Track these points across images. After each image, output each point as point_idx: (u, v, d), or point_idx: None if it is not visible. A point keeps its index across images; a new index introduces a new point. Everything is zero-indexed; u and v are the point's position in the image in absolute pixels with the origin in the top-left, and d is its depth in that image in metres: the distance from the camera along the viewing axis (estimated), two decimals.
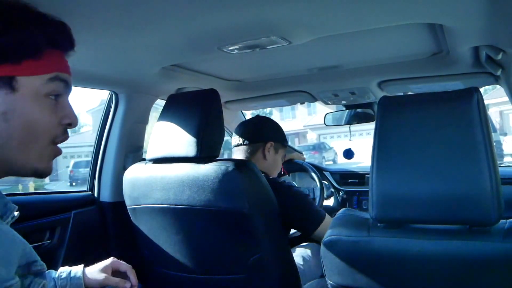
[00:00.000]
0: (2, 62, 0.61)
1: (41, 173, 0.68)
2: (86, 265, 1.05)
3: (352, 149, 2.31)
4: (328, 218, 1.43)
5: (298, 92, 1.98)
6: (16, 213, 0.66)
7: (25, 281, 0.59)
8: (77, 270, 1.03)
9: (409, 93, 1.84)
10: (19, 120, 0.62)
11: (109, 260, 1.04)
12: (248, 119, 1.71)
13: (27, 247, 0.61)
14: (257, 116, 1.75)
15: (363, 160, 2.48)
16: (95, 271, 1.04)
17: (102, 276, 1.03)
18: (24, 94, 0.63)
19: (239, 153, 1.59)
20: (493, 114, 17.87)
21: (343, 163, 14.36)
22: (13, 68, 0.62)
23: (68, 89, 0.69)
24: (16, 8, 0.65)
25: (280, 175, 2.37)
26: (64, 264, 1.07)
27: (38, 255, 0.64)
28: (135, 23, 0.99)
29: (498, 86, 1.69)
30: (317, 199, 2.14)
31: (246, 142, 1.58)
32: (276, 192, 1.31)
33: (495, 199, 0.77)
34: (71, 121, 0.68)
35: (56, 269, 1.04)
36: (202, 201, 1.21)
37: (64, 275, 1.00)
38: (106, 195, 1.69)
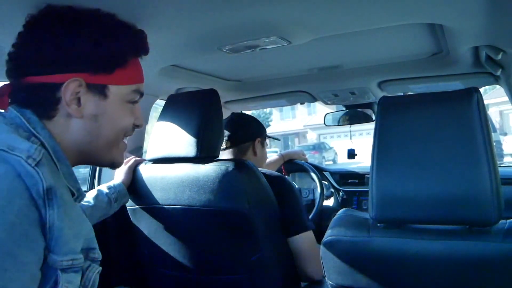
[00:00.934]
0: (98, 72, 0.72)
1: (118, 165, 0.82)
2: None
3: (353, 149, 2.32)
4: (312, 235, 1.35)
5: (298, 92, 1.98)
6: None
7: (84, 263, 0.67)
8: (114, 181, 1.34)
9: (409, 93, 1.84)
10: (107, 122, 0.75)
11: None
12: (228, 120, 1.65)
13: (91, 233, 0.71)
14: (236, 115, 1.74)
15: (363, 160, 2.48)
16: (119, 173, 1.37)
17: (125, 170, 1.36)
18: (113, 101, 0.75)
19: (227, 156, 1.57)
20: (493, 114, 17.89)
21: (343, 163, 14.37)
22: (106, 77, 0.73)
23: (141, 97, 0.81)
24: (107, 18, 0.76)
25: (297, 170, 2.39)
26: None
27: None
28: (134, 23, 0.98)
29: (498, 86, 1.69)
30: (317, 199, 2.14)
31: (235, 144, 1.57)
32: (275, 186, 1.31)
33: (495, 199, 0.77)
34: (140, 123, 0.82)
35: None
36: (202, 201, 1.21)
37: (112, 190, 1.30)
38: None
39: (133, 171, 1.39)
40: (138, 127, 0.82)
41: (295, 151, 2.45)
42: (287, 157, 2.29)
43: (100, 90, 0.73)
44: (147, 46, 0.81)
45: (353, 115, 2.20)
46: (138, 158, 1.44)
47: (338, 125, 2.29)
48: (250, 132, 1.61)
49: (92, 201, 1.26)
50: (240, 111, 2.41)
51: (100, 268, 0.71)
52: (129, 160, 1.42)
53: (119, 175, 1.38)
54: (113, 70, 0.74)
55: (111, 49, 0.73)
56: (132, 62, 0.78)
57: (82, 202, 1.24)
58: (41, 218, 0.59)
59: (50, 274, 0.61)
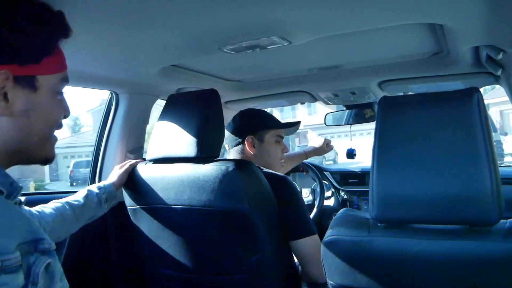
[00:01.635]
0: (25, 63, 0.65)
1: (50, 160, 0.75)
2: (86, 265, 1.10)
3: (353, 149, 2.31)
4: (317, 238, 1.33)
5: (298, 92, 1.98)
6: (22, 198, 0.71)
7: (30, 258, 0.60)
8: (105, 182, 1.35)
9: (409, 93, 1.85)
10: (39, 116, 0.68)
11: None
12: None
13: (34, 225, 0.63)
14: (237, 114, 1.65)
15: (363, 160, 2.48)
16: (112, 175, 1.37)
17: (119, 172, 1.37)
18: (43, 93, 0.68)
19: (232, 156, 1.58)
20: (493, 113, 17.87)
21: (343, 163, 14.36)
22: (34, 67, 0.66)
23: (66, 83, 0.75)
24: (32, 4, 0.67)
25: (297, 170, 2.33)
26: (64, 264, 1.08)
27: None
28: (135, 23, 0.99)
29: (498, 86, 1.69)
30: (318, 199, 2.14)
31: (229, 147, 1.57)
32: (277, 187, 1.30)
33: (495, 199, 0.77)
34: (69, 114, 0.76)
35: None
36: (202, 201, 1.21)
37: (102, 190, 1.30)
38: None
39: (133, 171, 1.39)
40: (65, 118, 0.75)
41: (319, 144, 2.19)
42: (311, 154, 2.17)
43: (29, 82, 0.65)
44: (68, 28, 0.72)
45: (354, 115, 2.19)
46: (133, 161, 1.43)
47: (338, 125, 2.29)
48: (237, 132, 1.54)
49: (82, 201, 1.26)
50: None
51: (51, 259, 0.63)
52: (125, 164, 1.42)
53: (111, 177, 1.39)
54: (40, 59, 0.67)
55: (39, 36, 0.66)
56: (57, 48, 0.71)
57: (72, 201, 1.25)
58: None
59: None
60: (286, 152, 1.60)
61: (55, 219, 1.16)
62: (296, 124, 1.64)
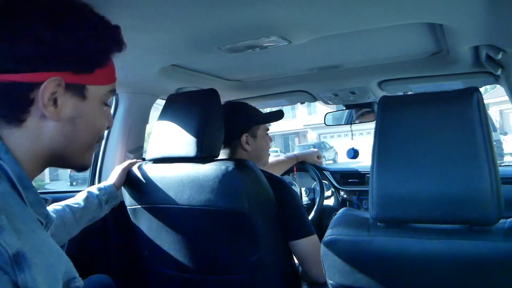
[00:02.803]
0: (79, 72, 0.66)
1: (87, 168, 0.76)
2: (86, 264, 1.09)
3: (355, 148, 2.30)
4: (316, 238, 1.34)
5: (298, 92, 1.98)
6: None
7: None
8: (105, 183, 1.35)
9: (409, 92, 1.85)
10: (85, 124, 0.70)
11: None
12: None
13: (69, 263, 0.63)
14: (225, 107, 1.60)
15: (363, 159, 2.48)
16: (112, 175, 1.38)
17: (120, 172, 1.37)
18: (91, 102, 0.70)
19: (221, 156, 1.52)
20: (493, 113, 17.88)
21: (343, 162, 14.36)
22: (86, 77, 0.68)
23: (113, 95, 0.79)
24: (88, 13, 0.69)
25: (288, 173, 2.33)
26: None
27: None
28: (135, 23, 0.99)
29: (498, 86, 1.69)
30: (318, 199, 2.14)
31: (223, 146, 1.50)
32: (275, 189, 1.31)
33: (495, 198, 0.77)
34: (111, 125, 0.79)
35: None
36: (202, 201, 1.21)
37: (103, 191, 1.31)
38: None
39: (133, 171, 1.39)
40: (107, 129, 0.78)
41: (310, 153, 2.30)
42: (301, 158, 2.23)
43: (79, 91, 0.67)
44: (124, 41, 0.74)
45: (353, 114, 2.20)
46: (132, 161, 1.43)
47: (338, 124, 2.29)
48: (232, 130, 1.48)
49: (82, 203, 1.24)
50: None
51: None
52: (125, 163, 1.42)
53: (112, 177, 1.38)
54: (93, 69, 0.69)
55: (95, 48, 0.68)
56: (110, 61, 0.74)
57: (72, 204, 1.23)
58: (13, 281, 0.53)
59: None
60: (271, 141, 1.61)
61: (56, 223, 1.14)
62: (280, 114, 1.58)
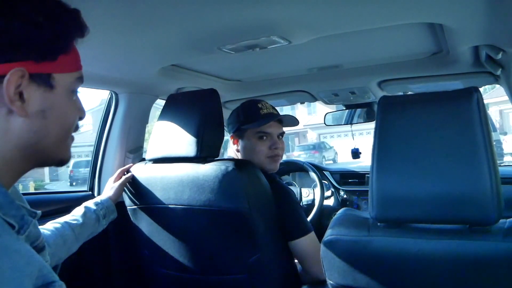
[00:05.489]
0: (42, 60, 0.61)
1: (66, 161, 0.71)
2: (86, 265, 1.08)
3: (357, 148, 2.30)
4: (314, 235, 1.35)
5: (298, 92, 1.98)
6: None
7: None
8: (101, 197, 1.34)
9: (409, 92, 1.85)
10: (56, 117, 0.64)
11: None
12: None
13: (44, 268, 0.59)
14: None
15: (363, 159, 2.48)
16: (108, 189, 1.38)
17: (114, 186, 1.37)
18: (59, 92, 0.65)
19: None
20: (493, 113, 17.88)
21: (343, 162, 14.36)
22: (50, 65, 0.63)
23: (81, 83, 0.73)
24: (47, 0, 0.64)
25: (296, 170, 2.32)
26: (64, 264, 1.08)
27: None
28: (135, 23, 0.99)
29: (498, 85, 1.69)
30: (317, 199, 2.14)
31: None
32: (272, 189, 1.31)
33: (495, 198, 0.77)
34: (84, 115, 0.73)
35: (56, 269, 1.07)
36: (202, 201, 1.21)
37: (100, 206, 1.30)
38: None
39: (133, 171, 1.39)
40: (81, 120, 0.73)
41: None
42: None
43: (45, 80, 0.62)
44: (84, 27, 0.70)
45: (353, 114, 2.20)
46: (129, 175, 1.40)
47: (338, 124, 2.29)
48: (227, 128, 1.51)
49: (80, 219, 1.22)
50: None
51: None
52: (119, 177, 1.41)
53: (107, 191, 1.38)
54: (56, 56, 0.64)
55: (55, 32, 0.63)
56: (73, 47, 0.69)
57: (71, 221, 1.21)
58: None
59: None
60: (276, 148, 1.48)
61: (56, 241, 1.12)
62: (272, 117, 1.48)
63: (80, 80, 0.71)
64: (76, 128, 0.71)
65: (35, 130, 0.62)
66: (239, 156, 1.52)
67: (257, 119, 1.46)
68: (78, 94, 0.72)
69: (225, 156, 1.95)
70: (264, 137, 1.47)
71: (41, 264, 0.59)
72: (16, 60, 0.59)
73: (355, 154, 2.29)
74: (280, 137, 1.53)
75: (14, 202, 0.61)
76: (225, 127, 1.96)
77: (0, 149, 0.60)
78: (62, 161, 0.70)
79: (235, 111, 1.54)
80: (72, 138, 0.72)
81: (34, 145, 0.63)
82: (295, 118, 1.58)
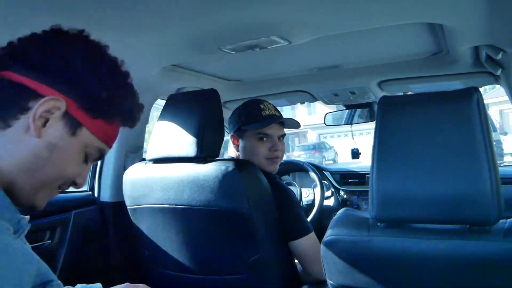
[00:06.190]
0: (84, 109, 0.65)
1: (36, 209, 0.68)
2: (86, 264, 1.07)
3: (357, 148, 2.31)
4: (314, 235, 1.35)
5: (298, 92, 1.98)
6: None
7: None
8: (92, 285, 1.02)
9: (409, 93, 1.85)
10: (59, 158, 0.65)
11: (124, 285, 1.01)
12: None
13: (42, 267, 0.61)
14: None
15: (363, 159, 2.48)
16: None
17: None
18: (75, 142, 0.66)
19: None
20: (493, 113, 17.88)
21: (343, 162, 14.36)
22: (87, 119, 0.66)
23: (98, 159, 0.74)
24: (122, 77, 0.73)
25: (296, 170, 2.31)
26: (64, 264, 1.08)
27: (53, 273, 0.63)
28: (135, 23, 0.99)
29: (498, 86, 1.69)
30: (318, 199, 2.14)
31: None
32: (272, 190, 1.31)
33: (495, 198, 0.77)
34: (81, 183, 0.71)
35: (56, 269, 1.04)
36: (202, 201, 1.21)
37: None
38: (106, 195, 1.68)
39: (133, 171, 1.39)
40: (75, 186, 0.71)
41: None
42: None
43: (74, 126, 0.65)
44: (136, 122, 0.76)
45: (353, 114, 2.20)
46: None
47: (338, 124, 2.29)
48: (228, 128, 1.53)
49: None
50: None
51: None
52: None
53: None
54: (98, 117, 0.67)
55: (113, 101, 0.68)
56: (116, 126, 0.72)
57: None
58: None
59: None
60: (276, 150, 1.48)
61: None
62: (273, 120, 1.47)
63: (99, 152, 0.71)
64: (64, 184, 0.69)
65: (38, 156, 0.63)
66: (239, 156, 1.52)
67: (258, 120, 1.46)
68: (88, 164, 0.72)
69: (225, 156, 1.95)
70: (264, 138, 1.47)
71: (40, 263, 0.60)
72: (63, 92, 0.63)
73: (355, 154, 2.30)
74: (281, 138, 1.52)
75: (12, 206, 0.61)
76: (225, 127, 1.96)
77: (4, 154, 0.61)
78: (32, 207, 0.67)
79: (237, 111, 1.54)
80: (56, 194, 0.70)
81: (27, 170, 0.63)
82: (296, 121, 1.58)
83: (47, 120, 0.62)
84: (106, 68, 0.68)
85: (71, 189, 0.73)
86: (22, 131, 0.62)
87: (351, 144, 2.33)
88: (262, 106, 1.49)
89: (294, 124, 1.57)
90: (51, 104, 0.62)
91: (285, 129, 1.56)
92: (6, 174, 0.61)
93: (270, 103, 1.54)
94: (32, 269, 0.58)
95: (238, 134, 1.51)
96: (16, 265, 0.55)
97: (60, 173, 0.66)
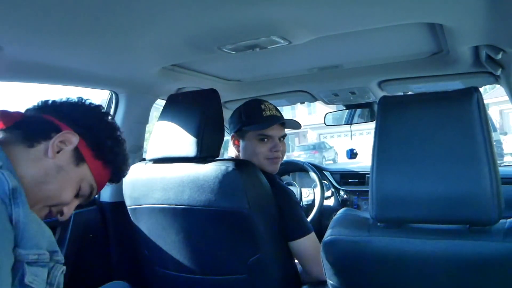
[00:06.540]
0: (91, 149, 0.86)
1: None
2: (86, 265, 1.09)
3: (353, 149, 2.31)
4: (314, 235, 1.35)
5: (298, 92, 1.98)
6: None
7: (49, 262, 0.71)
8: None
9: (409, 92, 1.85)
10: (61, 180, 0.82)
11: None
12: None
13: (52, 237, 0.74)
14: None
15: (363, 159, 2.48)
16: None
17: None
18: (76, 171, 0.84)
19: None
20: (493, 113, 17.88)
21: (343, 162, 14.35)
22: (91, 158, 0.87)
23: (86, 199, 0.90)
24: (123, 141, 0.94)
25: (296, 170, 2.31)
26: (65, 264, 1.08)
27: None
28: (135, 23, 0.99)
29: (498, 86, 1.69)
30: (318, 199, 2.14)
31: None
32: (272, 190, 1.31)
33: (495, 198, 0.77)
34: (64, 216, 0.86)
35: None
36: (202, 201, 1.21)
37: None
38: (106, 195, 1.68)
39: (133, 171, 1.39)
40: (61, 216, 0.86)
41: None
42: None
43: (79, 158, 0.84)
44: (120, 178, 0.96)
45: (353, 114, 2.20)
46: None
47: (338, 124, 2.29)
48: (228, 130, 1.53)
49: None
50: None
51: (64, 267, 0.74)
52: None
53: None
54: (100, 160, 0.88)
55: (113, 150, 0.89)
56: (108, 172, 0.91)
57: None
58: (8, 213, 0.65)
59: (17, 267, 0.65)
60: (277, 150, 1.48)
61: None
62: (274, 121, 1.47)
63: (90, 188, 0.88)
64: (55, 208, 0.84)
65: (47, 173, 0.80)
66: (239, 156, 1.52)
67: (259, 120, 1.46)
68: (78, 199, 0.88)
69: (226, 156, 1.95)
70: (265, 139, 1.47)
71: (51, 233, 0.74)
72: (78, 133, 0.84)
73: (353, 154, 2.29)
74: (282, 139, 1.52)
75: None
76: (226, 127, 1.97)
77: (25, 165, 0.78)
78: None
79: (238, 111, 1.54)
80: (45, 212, 0.84)
81: (36, 181, 0.78)
82: (297, 122, 1.58)
83: (60, 150, 0.82)
84: (111, 127, 0.92)
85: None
86: (42, 153, 0.80)
87: (351, 144, 2.33)
88: (263, 107, 1.49)
89: (295, 125, 1.57)
90: (67, 136, 0.82)
91: (285, 129, 1.56)
92: (21, 179, 0.74)
93: (271, 104, 1.53)
94: (47, 236, 0.72)
95: (239, 134, 1.51)
96: (41, 225, 0.71)
97: (57, 193, 0.82)
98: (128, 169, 0.97)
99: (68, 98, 0.90)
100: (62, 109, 0.87)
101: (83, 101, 0.92)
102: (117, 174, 0.94)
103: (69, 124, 0.84)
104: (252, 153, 1.47)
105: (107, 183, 0.94)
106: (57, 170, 0.81)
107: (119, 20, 0.96)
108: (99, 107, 0.93)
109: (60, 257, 0.73)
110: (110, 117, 0.94)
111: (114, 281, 1.27)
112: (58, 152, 0.81)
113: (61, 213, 0.86)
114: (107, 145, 0.89)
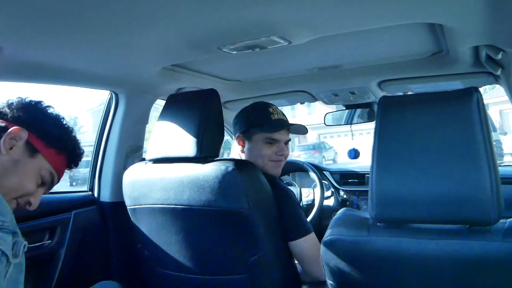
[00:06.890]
0: (42, 139, 0.95)
1: None
2: (86, 264, 1.10)
3: (356, 148, 2.30)
4: (314, 236, 1.35)
5: (298, 92, 1.98)
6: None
7: (12, 236, 0.75)
8: None
9: (409, 93, 1.85)
10: (20, 172, 0.90)
11: None
12: None
13: (14, 220, 0.79)
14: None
15: (363, 159, 2.48)
16: None
17: None
18: (32, 163, 0.93)
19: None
20: (493, 113, 17.88)
21: (343, 162, 14.36)
22: (44, 147, 0.95)
23: (50, 187, 0.99)
24: (70, 128, 1.05)
25: (296, 170, 2.31)
26: (64, 264, 1.08)
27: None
28: (135, 23, 0.99)
29: (498, 86, 1.69)
30: (317, 199, 2.14)
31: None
32: (272, 190, 1.31)
33: (495, 198, 0.77)
34: (32, 206, 0.95)
35: (56, 269, 1.12)
36: (202, 201, 1.21)
37: None
38: (106, 195, 1.69)
39: (133, 171, 1.39)
40: (30, 206, 0.94)
41: None
42: None
43: (32, 150, 0.93)
44: (78, 160, 1.05)
45: (353, 114, 2.20)
46: None
47: (338, 124, 2.29)
48: (233, 130, 1.54)
49: None
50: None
51: (26, 242, 0.79)
52: None
53: None
54: (52, 148, 0.96)
55: (62, 138, 0.98)
56: (63, 158, 1.00)
57: None
58: None
59: None
60: (282, 154, 1.50)
61: None
62: (284, 126, 1.50)
63: (51, 176, 0.97)
64: (22, 200, 0.92)
65: (5, 168, 0.89)
66: (243, 156, 1.53)
67: (268, 124, 1.48)
68: (42, 189, 0.97)
69: (229, 156, 1.95)
70: (272, 143, 1.49)
71: (13, 216, 0.79)
72: (26, 128, 0.92)
73: (357, 154, 2.29)
74: (287, 143, 1.55)
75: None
76: (228, 127, 1.96)
77: None
78: None
79: (245, 112, 1.54)
80: (14, 206, 0.91)
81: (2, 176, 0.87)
82: (305, 127, 1.60)
83: (14, 145, 0.90)
84: (56, 118, 1.01)
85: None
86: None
87: (351, 144, 2.33)
88: (271, 110, 1.51)
89: (302, 130, 1.60)
90: (15, 133, 0.91)
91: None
92: None
93: (277, 107, 1.55)
94: (11, 213, 0.79)
95: (245, 135, 1.52)
96: (3, 202, 0.79)
97: (19, 184, 0.90)
98: (81, 152, 1.05)
99: (8, 100, 0.98)
100: (5, 111, 0.95)
101: (24, 100, 0.99)
102: (73, 158, 1.02)
103: (16, 122, 0.92)
104: (258, 154, 1.49)
105: (67, 169, 1.03)
106: (14, 164, 0.89)
107: (119, 20, 0.96)
108: (40, 102, 1.01)
109: (21, 237, 0.78)
110: (52, 109, 1.02)
111: (104, 281, 1.29)
112: (11, 148, 0.90)
113: (29, 203, 0.94)
114: (55, 133, 0.97)
